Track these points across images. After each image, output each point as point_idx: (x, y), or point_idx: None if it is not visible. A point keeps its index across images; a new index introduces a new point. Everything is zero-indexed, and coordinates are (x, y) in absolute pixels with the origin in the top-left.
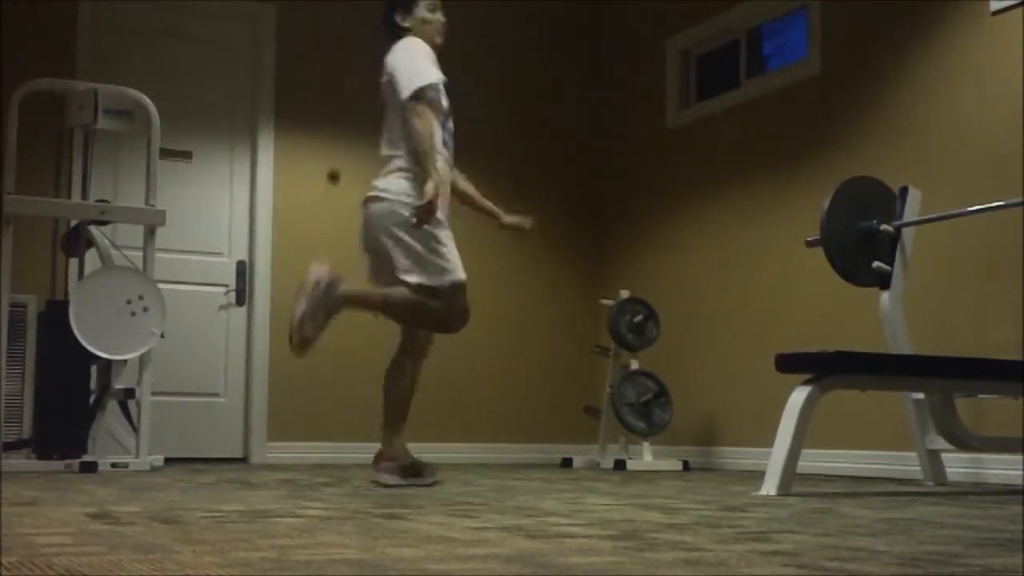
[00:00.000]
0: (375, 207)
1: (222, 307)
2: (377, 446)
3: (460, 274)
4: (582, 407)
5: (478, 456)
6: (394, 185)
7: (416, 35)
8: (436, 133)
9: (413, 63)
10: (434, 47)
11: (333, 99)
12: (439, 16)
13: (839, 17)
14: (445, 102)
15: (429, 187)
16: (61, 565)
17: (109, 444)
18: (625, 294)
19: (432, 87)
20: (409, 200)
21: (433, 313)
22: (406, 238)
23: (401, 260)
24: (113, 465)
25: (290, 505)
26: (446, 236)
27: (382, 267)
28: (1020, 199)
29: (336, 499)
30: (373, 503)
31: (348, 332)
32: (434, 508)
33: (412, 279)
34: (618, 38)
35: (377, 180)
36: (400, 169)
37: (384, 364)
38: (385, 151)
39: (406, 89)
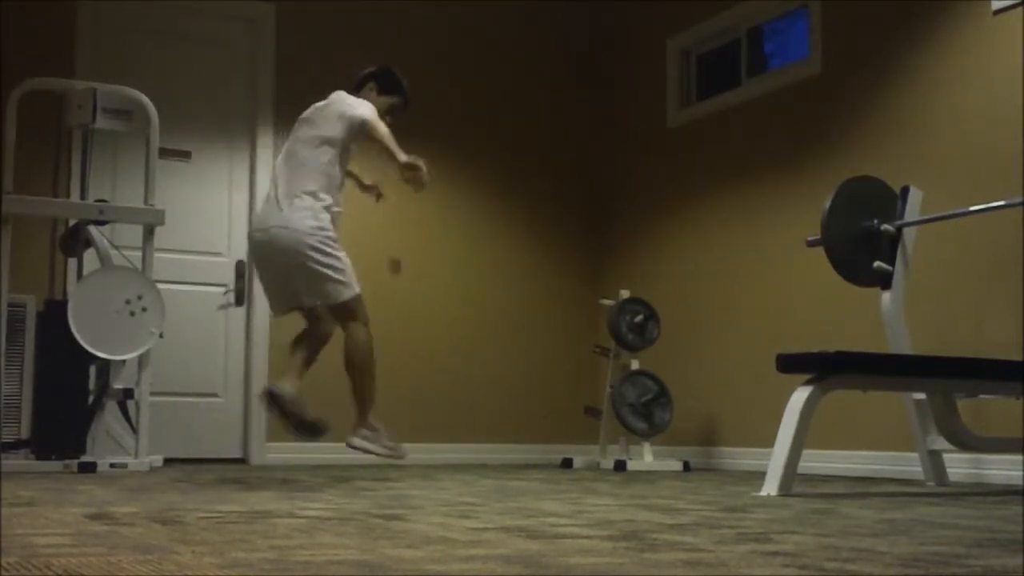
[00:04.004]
0: None
1: (221, 307)
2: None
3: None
4: (582, 407)
5: (478, 456)
6: None
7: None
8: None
9: None
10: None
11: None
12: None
13: (839, 17)
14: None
15: None
16: (60, 566)
17: (108, 444)
18: (625, 294)
19: None
20: None
21: None
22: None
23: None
24: (112, 465)
25: (289, 506)
26: None
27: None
28: (1021, 199)
29: (336, 500)
30: (373, 504)
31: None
32: (434, 509)
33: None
34: (618, 38)
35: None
36: None
37: (382, 363)
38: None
39: None
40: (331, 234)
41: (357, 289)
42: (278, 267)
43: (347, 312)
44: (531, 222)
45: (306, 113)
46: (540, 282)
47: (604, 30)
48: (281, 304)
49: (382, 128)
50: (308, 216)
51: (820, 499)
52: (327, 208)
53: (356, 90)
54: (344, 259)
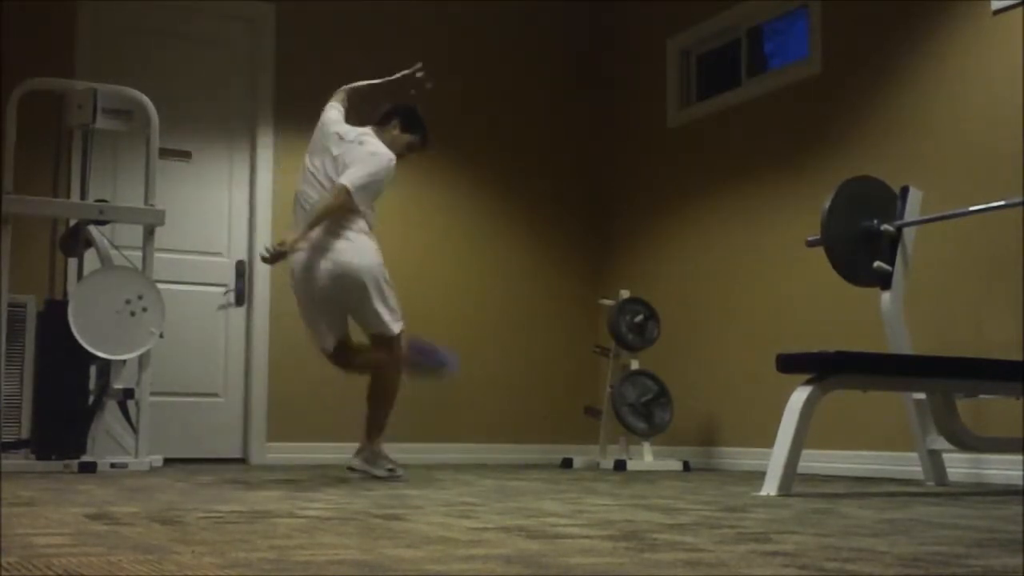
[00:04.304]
0: None
1: (221, 307)
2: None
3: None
4: (582, 407)
5: (478, 456)
6: None
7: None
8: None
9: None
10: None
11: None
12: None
13: (839, 17)
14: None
15: None
16: (60, 566)
17: (108, 444)
18: (625, 294)
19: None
20: None
21: None
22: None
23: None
24: (112, 465)
25: (290, 505)
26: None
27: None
28: (1020, 199)
29: (336, 499)
30: (373, 503)
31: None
32: (434, 509)
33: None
34: (618, 38)
35: None
36: None
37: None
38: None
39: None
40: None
41: (403, 324)
42: (337, 299)
43: (389, 345)
44: (531, 222)
45: (329, 139)
46: (540, 282)
47: (604, 30)
48: (329, 339)
49: (330, 205)
50: (372, 251)
51: (820, 499)
52: (371, 234)
53: (380, 123)
54: (395, 294)
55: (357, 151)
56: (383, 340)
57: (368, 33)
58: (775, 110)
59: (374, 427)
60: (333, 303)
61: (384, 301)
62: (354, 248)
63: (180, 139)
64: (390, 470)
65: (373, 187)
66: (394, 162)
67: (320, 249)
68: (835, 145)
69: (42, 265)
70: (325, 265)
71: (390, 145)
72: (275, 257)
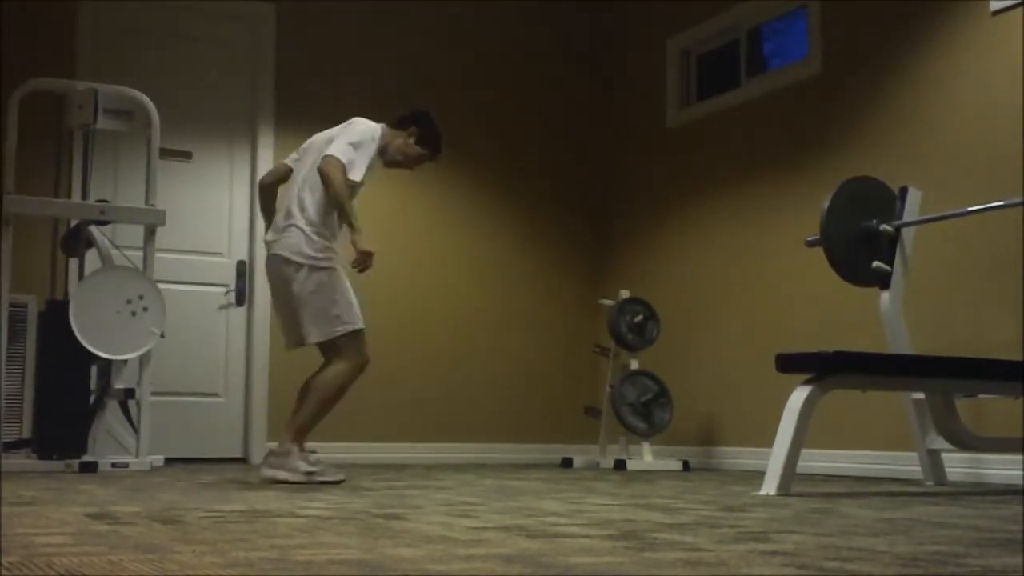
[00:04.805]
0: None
1: (222, 307)
2: (376, 445)
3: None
4: (582, 407)
5: (478, 456)
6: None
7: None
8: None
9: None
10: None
11: (333, 98)
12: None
13: (839, 17)
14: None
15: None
16: (61, 565)
17: (109, 444)
18: (625, 294)
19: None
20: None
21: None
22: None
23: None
24: (113, 465)
25: (290, 505)
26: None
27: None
28: (1020, 199)
29: (336, 499)
30: (373, 503)
31: None
32: (434, 508)
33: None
34: (618, 38)
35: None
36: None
37: (382, 363)
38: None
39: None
40: (330, 264)
41: (357, 324)
42: (279, 294)
43: (335, 349)
44: (531, 222)
45: (319, 136)
46: (540, 282)
47: (604, 30)
48: (289, 337)
49: (337, 185)
50: (304, 242)
51: (819, 498)
52: (323, 235)
53: (396, 126)
54: (344, 290)
55: (337, 129)
56: (329, 344)
57: (368, 33)
58: (775, 110)
59: (300, 425)
60: (282, 303)
61: (305, 306)
62: (282, 243)
63: (180, 139)
64: (308, 473)
65: (360, 153)
66: (378, 130)
67: (267, 241)
68: (835, 145)
69: (43, 265)
70: (268, 262)
71: (399, 150)
72: (365, 267)
